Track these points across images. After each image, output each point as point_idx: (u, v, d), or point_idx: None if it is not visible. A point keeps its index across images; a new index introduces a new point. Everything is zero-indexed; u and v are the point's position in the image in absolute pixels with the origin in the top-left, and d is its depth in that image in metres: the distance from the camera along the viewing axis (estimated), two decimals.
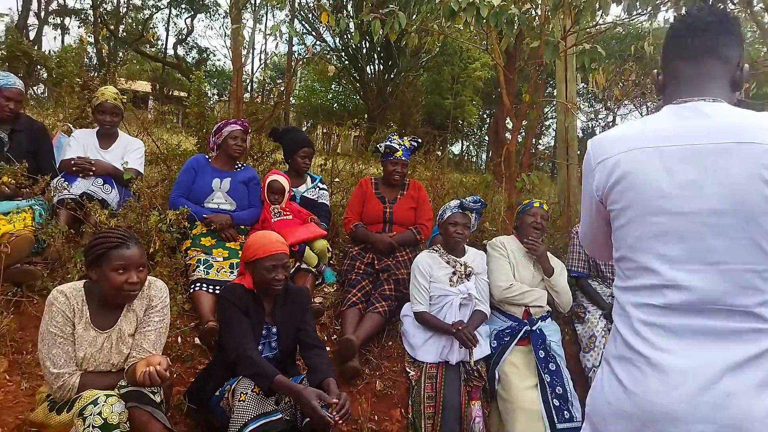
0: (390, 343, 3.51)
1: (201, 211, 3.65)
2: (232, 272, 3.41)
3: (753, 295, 1.19)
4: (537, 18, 4.44)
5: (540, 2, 4.23)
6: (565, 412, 2.99)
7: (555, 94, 6.50)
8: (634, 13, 3.89)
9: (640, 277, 1.29)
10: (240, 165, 4.02)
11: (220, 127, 3.89)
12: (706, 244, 1.21)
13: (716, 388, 1.16)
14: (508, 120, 5.51)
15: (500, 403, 3.12)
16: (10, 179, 3.31)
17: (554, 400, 3.01)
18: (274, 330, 2.65)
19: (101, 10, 20.86)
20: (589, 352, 3.42)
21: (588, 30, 5.47)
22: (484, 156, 25.17)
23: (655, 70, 1.50)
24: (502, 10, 3.76)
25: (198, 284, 3.28)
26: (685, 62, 1.40)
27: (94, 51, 18.99)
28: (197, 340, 3.12)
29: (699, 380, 1.18)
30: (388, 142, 4.03)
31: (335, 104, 21.51)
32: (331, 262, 4.07)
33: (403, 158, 4.00)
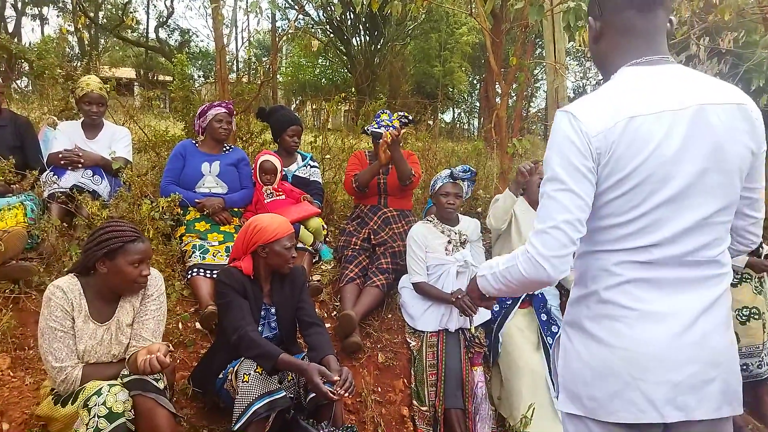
0: (390, 315, 3.55)
1: (192, 196, 3.64)
2: (228, 256, 3.41)
3: (720, 245, 1.32)
4: None
5: None
6: None
7: (544, 54, 6.42)
8: None
9: (632, 240, 1.29)
10: (228, 147, 3.98)
11: (204, 111, 3.85)
12: (694, 202, 1.26)
13: (694, 330, 1.26)
14: (497, 84, 5.46)
15: (503, 365, 3.15)
16: None
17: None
18: (273, 310, 2.67)
19: None
20: None
21: None
22: (476, 122, 25.02)
23: (591, 18, 1.40)
24: None
25: (195, 270, 3.28)
26: (637, 13, 1.34)
27: (75, 40, 18.65)
28: (198, 325, 3.14)
29: (679, 324, 1.26)
30: (374, 127, 3.89)
31: (323, 79, 21.29)
32: (327, 239, 4.08)
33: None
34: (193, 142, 3.93)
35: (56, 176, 3.54)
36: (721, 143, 1.26)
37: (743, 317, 3.29)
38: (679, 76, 1.32)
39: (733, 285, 2.63)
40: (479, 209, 4.69)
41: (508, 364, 3.12)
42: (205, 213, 3.60)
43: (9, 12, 20.85)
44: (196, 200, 3.61)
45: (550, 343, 3.13)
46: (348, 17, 16.54)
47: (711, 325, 1.28)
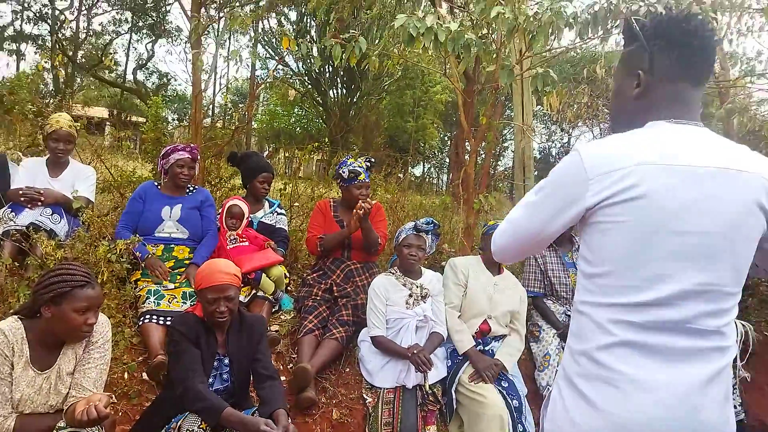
0: (348, 369, 3.46)
1: (144, 252, 3.48)
2: (184, 302, 3.31)
3: (723, 316, 1.25)
4: (493, 42, 4.53)
5: (496, 27, 4.31)
6: (519, 425, 2.98)
7: (513, 116, 6.64)
8: (586, 37, 3.97)
9: (626, 294, 1.24)
10: (192, 188, 3.93)
11: (168, 153, 3.79)
12: (698, 266, 1.22)
13: (686, 404, 1.20)
14: (467, 142, 5.60)
15: (465, 417, 3.06)
16: None
17: (513, 412, 3.02)
18: (227, 361, 2.58)
19: (59, 35, 20.45)
20: (544, 371, 3.45)
21: (542, 54, 5.61)
22: (445, 178, 25.47)
23: (640, 71, 1.36)
24: (459, 35, 3.82)
25: (147, 316, 3.16)
26: (690, 86, 1.34)
27: (51, 77, 18.55)
28: (145, 376, 3.01)
29: (673, 397, 1.20)
30: (351, 167, 3.93)
31: (298, 128, 21.48)
32: (288, 288, 4.01)
33: (366, 180, 3.98)
34: (156, 184, 3.87)
35: (14, 213, 3.45)
36: (736, 211, 1.24)
37: None
38: (706, 138, 1.30)
39: None
40: (443, 263, 4.70)
41: (471, 414, 3.03)
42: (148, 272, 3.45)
43: None
44: (145, 258, 3.47)
45: (504, 387, 3.13)
46: (326, 70, 16.87)
47: (707, 401, 1.22)
